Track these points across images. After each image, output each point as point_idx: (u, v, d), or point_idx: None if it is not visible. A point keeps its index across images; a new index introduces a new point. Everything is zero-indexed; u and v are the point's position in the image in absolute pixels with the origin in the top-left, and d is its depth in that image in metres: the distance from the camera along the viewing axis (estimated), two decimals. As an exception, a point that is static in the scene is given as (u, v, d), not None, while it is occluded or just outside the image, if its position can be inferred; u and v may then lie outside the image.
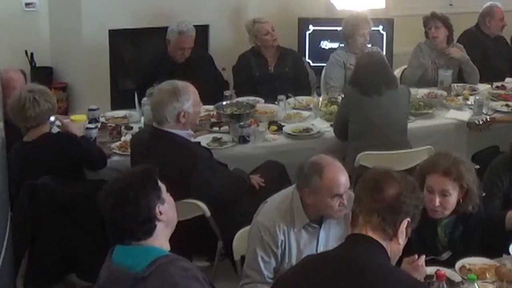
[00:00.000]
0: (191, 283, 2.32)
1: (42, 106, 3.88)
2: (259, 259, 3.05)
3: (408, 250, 2.71)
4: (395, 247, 2.32)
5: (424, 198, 2.42)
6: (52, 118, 4.15)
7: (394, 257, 2.34)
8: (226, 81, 5.77)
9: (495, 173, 3.61)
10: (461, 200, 3.12)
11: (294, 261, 3.04)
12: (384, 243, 2.28)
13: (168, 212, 2.45)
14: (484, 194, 3.39)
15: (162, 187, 2.46)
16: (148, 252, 2.36)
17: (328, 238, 3.13)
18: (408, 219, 2.31)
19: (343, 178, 3.02)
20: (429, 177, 3.10)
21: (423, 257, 2.82)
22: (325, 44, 6.59)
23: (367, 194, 2.32)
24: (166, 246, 2.45)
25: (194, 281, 2.33)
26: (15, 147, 3.93)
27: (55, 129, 4.06)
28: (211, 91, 5.15)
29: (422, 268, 2.81)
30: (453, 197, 3.10)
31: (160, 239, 2.42)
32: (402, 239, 2.31)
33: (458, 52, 5.60)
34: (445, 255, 3.17)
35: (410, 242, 2.45)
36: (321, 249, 3.08)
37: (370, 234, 2.28)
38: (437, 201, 3.07)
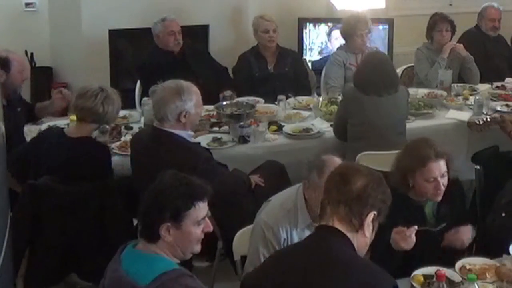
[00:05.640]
0: None
1: (96, 104, 3.86)
2: (261, 256, 3.05)
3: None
4: (361, 240, 2.36)
5: (390, 195, 2.44)
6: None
7: (362, 250, 2.39)
8: (228, 73, 5.78)
9: None
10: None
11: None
12: (350, 235, 2.34)
13: (179, 239, 2.38)
14: (503, 214, 3.40)
15: (193, 215, 2.38)
16: (155, 263, 2.34)
17: None
18: (375, 212, 2.35)
19: None
20: (425, 169, 3.16)
21: (413, 228, 2.94)
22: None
23: (335, 186, 2.38)
24: (175, 259, 2.42)
25: None
26: (55, 137, 3.96)
27: (94, 134, 4.06)
28: (211, 86, 5.18)
29: (410, 239, 2.94)
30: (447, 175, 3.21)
31: (166, 252, 2.39)
32: (368, 232, 2.36)
33: (464, 49, 5.62)
34: (439, 227, 3.22)
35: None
36: None
37: (337, 225, 2.34)
38: (441, 184, 3.17)
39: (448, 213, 3.28)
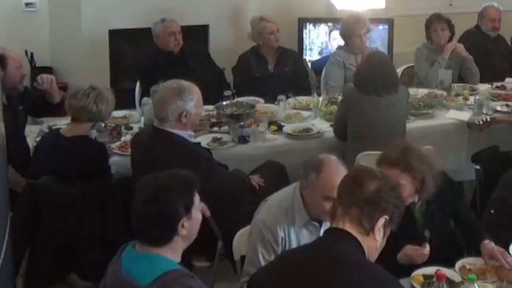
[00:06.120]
0: None
1: (88, 104, 3.90)
2: (260, 256, 3.06)
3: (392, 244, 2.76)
4: (372, 244, 2.35)
5: (404, 202, 2.46)
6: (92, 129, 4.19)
7: (372, 254, 2.37)
8: (225, 79, 5.80)
9: (509, 190, 3.49)
10: (418, 188, 3.14)
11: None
12: (360, 237, 2.32)
13: (191, 229, 2.43)
14: (492, 211, 3.41)
15: (196, 202, 2.45)
16: (157, 264, 2.35)
17: None
18: (386, 216, 2.34)
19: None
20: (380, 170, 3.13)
21: (426, 244, 3.00)
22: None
23: (348, 188, 2.37)
24: (177, 258, 2.44)
25: None
26: (51, 138, 4.01)
27: (93, 134, 4.07)
28: (211, 86, 5.18)
29: (425, 254, 3.00)
30: (407, 188, 3.09)
31: (174, 250, 2.42)
32: (379, 237, 2.35)
33: (464, 50, 5.62)
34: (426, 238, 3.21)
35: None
36: None
37: (347, 227, 2.32)
38: None
39: (437, 212, 3.28)
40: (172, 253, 2.41)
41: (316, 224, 3.13)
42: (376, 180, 2.35)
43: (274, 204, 3.15)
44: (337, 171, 2.97)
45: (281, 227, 3.07)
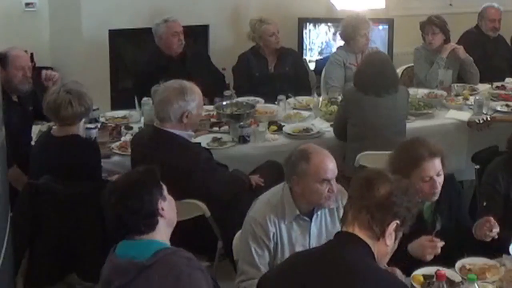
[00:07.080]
0: (195, 272, 2.39)
1: (75, 109, 3.89)
2: (253, 252, 3.09)
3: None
4: (382, 248, 2.31)
5: (416, 203, 2.42)
6: (85, 125, 4.18)
7: (382, 259, 2.34)
8: (224, 80, 5.79)
9: (493, 177, 3.58)
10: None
11: (287, 255, 3.05)
12: (370, 242, 2.28)
13: (169, 210, 2.52)
14: (484, 204, 3.44)
15: (164, 186, 2.53)
16: (151, 244, 2.43)
17: (321, 232, 3.17)
18: (397, 221, 2.29)
19: (331, 164, 3.07)
20: (420, 169, 3.12)
21: (440, 243, 2.99)
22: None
23: (358, 192, 2.33)
24: (167, 243, 2.51)
25: (197, 271, 2.40)
26: (43, 138, 4.03)
27: (88, 133, 4.08)
28: (209, 88, 5.17)
29: (437, 249, 2.99)
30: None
31: (162, 235, 2.49)
32: (390, 241, 2.30)
33: (464, 52, 5.61)
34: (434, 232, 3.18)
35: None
36: (313, 243, 3.13)
37: (357, 232, 2.29)
38: (438, 183, 3.14)
39: (445, 212, 3.28)
40: (161, 238, 2.48)
41: (306, 218, 3.15)
42: (388, 183, 2.30)
43: (263, 201, 3.19)
44: (324, 153, 3.09)
45: (271, 222, 3.10)
